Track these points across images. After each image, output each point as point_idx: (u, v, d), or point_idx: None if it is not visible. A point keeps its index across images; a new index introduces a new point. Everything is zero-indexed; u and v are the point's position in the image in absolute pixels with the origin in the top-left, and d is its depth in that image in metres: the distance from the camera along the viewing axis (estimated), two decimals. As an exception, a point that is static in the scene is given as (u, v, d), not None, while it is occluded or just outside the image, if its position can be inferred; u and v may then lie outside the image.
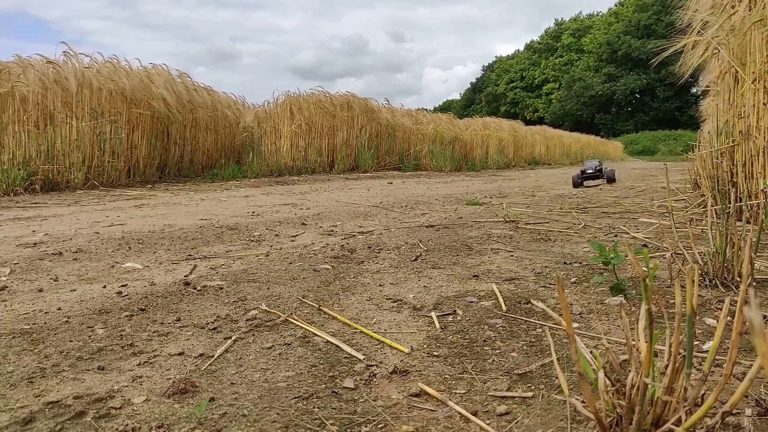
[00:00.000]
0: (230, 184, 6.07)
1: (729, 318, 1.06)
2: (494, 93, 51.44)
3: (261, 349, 1.00)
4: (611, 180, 5.96)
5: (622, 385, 0.64)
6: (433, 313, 1.23)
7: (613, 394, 0.64)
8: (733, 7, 2.58)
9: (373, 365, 0.93)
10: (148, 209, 3.47)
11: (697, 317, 1.13)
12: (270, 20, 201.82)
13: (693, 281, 0.61)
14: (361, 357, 0.97)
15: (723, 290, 1.34)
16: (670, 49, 3.10)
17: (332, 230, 2.51)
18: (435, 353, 0.99)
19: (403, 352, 1.00)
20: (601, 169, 5.99)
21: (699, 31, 2.91)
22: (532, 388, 0.84)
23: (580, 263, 1.76)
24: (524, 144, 14.46)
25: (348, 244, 2.13)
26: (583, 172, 5.86)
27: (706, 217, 1.65)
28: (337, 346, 1.02)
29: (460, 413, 0.76)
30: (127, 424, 0.72)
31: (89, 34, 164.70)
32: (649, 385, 0.60)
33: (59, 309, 1.25)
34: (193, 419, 0.73)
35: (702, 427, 0.61)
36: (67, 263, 1.77)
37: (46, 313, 1.23)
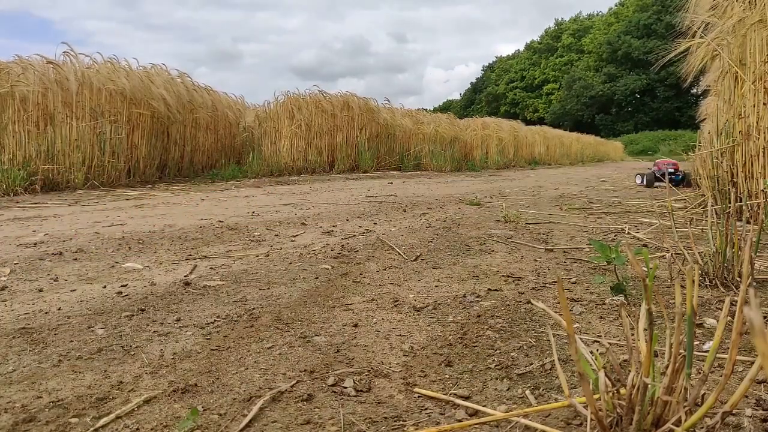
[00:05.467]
0: (230, 184, 6.07)
1: (729, 318, 1.06)
2: (494, 93, 51.42)
3: (261, 349, 1.00)
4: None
5: (622, 385, 0.64)
6: (433, 313, 1.23)
7: (613, 394, 0.64)
8: (735, 5, 2.58)
9: (373, 366, 0.93)
10: (148, 209, 3.47)
11: (697, 317, 1.13)
12: (272, 21, 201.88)
13: (693, 281, 0.61)
14: (362, 357, 0.97)
15: (723, 290, 1.34)
16: (672, 52, 3.10)
17: (332, 230, 2.51)
18: (435, 353, 0.99)
19: (404, 352, 1.00)
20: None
21: (699, 34, 2.91)
22: (532, 388, 0.84)
23: (581, 263, 1.76)
24: (524, 144, 14.45)
25: (348, 244, 2.13)
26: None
27: (706, 217, 1.65)
28: (338, 347, 1.02)
29: (460, 414, 0.76)
30: (128, 424, 0.72)
31: (93, 34, 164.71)
32: (649, 385, 0.60)
33: (59, 309, 1.25)
34: (194, 420, 0.73)
35: (702, 427, 0.61)
36: (67, 263, 1.77)
37: (46, 313, 1.23)
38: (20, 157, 4.94)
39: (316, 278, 1.56)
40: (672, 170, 5.38)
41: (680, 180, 5.26)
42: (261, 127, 8.38)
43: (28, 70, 5.29)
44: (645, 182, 5.51)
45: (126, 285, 1.48)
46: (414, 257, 1.86)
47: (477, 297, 1.35)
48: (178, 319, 1.17)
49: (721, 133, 2.79)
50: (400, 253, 1.93)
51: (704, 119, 6.25)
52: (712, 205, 1.47)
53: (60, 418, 0.74)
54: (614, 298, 1.31)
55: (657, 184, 5.43)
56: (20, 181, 4.60)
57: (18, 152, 4.96)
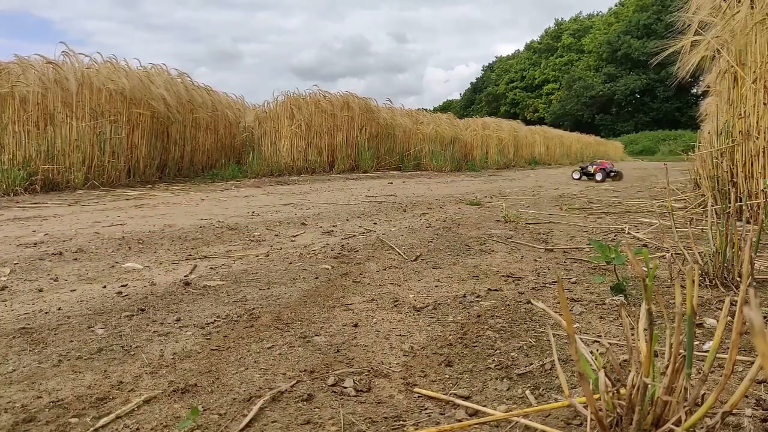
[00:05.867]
0: (230, 184, 6.07)
1: (729, 318, 1.06)
2: (494, 93, 51.42)
3: (261, 349, 1.00)
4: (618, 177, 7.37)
5: (622, 385, 0.64)
6: (433, 313, 1.23)
7: (613, 394, 0.64)
8: (737, 5, 2.58)
9: (373, 366, 0.93)
10: (148, 209, 3.47)
11: (697, 317, 1.13)
12: (272, 21, 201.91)
13: (693, 281, 0.61)
14: (362, 357, 0.97)
15: (723, 290, 1.34)
16: (670, 49, 3.10)
17: (332, 230, 2.51)
18: (435, 353, 0.99)
19: (404, 352, 1.00)
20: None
21: (699, 32, 2.91)
22: (532, 388, 0.84)
23: (581, 263, 1.76)
24: (524, 144, 14.46)
25: (348, 244, 2.13)
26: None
27: (706, 217, 1.65)
28: (338, 347, 1.02)
29: (460, 414, 0.76)
30: (128, 424, 0.72)
31: (93, 34, 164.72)
32: (649, 385, 0.60)
33: (59, 309, 1.25)
34: (194, 420, 0.73)
35: (702, 427, 0.61)
36: (67, 263, 1.78)
37: (46, 313, 1.23)
38: (20, 157, 4.94)
39: (316, 278, 1.56)
40: (611, 168, 7.36)
41: (615, 174, 7.26)
42: (261, 127, 8.38)
43: (28, 71, 5.29)
44: (601, 178, 7.14)
45: (126, 285, 1.48)
46: (414, 257, 1.86)
47: (477, 297, 1.35)
48: (178, 319, 1.17)
49: (721, 133, 2.79)
50: (400, 253, 1.93)
51: (704, 119, 6.29)
52: (712, 205, 1.47)
53: (60, 418, 0.74)
54: (614, 298, 1.31)
55: (585, 177, 7.43)
56: (20, 181, 4.60)
57: (18, 152, 4.96)
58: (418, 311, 1.24)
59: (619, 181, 7.08)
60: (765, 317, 1.15)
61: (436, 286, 1.47)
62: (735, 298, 1.24)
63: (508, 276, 1.58)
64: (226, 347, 1.01)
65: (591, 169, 7.33)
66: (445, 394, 0.81)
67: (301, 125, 8.34)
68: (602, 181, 7.05)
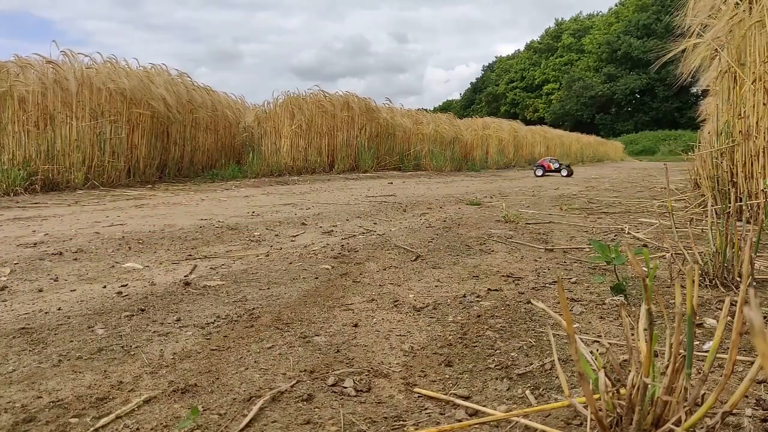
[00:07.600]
0: (230, 184, 6.07)
1: (729, 318, 1.06)
2: (494, 93, 51.40)
3: (261, 349, 1.00)
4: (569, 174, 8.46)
5: (622, 385, 0.64)
6: (433, 313, 1.23)
7: (613, 394, 0.64)
8: (734, 6, 2.58)
9: (373, 365, 0.93)
10: (148, 209, 3.47)
11: (697, 317, 1.13)
12: (272, 21, 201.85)
13: (693, 281, 0.61)
14: (362, 357, 0.97)
15: (723, 290, 1.34)
16: (671, 52, 3.10)
17: (332, 230, 2.51)
18: (435, 353, 0.99)
19: (404, 352, 1.00)
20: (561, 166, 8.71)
21: (698, 33, 2.91)
22: (532, 388, 0.84)
23: (581, 263, 1.76)
24: (524, 144, 14.47)
25: (348, 244, 2.13)
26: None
27: (706, 217, 1.65)
28: (338, 347, 1.02)
29: (460, 414, 0.76)
30: (128, 424, 0.72)
31: (93, 34, 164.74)
32: (649, 385, 0.60)
33: (59, 309, 1.25)
34: (194, 420, 0.73)
35: (702, 427, 0.61)
36: (67, 263, 1.77)
37: (46, 313, 1.23)
38: (20, 157, 4.94)
39: (316, 278, 1.56)
40: (558, 164, 8.69)
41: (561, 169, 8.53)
42: (261, 127, 8.39)
43: (27, 70, 5.29)
44: (542, 173, 8.54)
45: (126, 285, 1.48)
46: (414, 257, 1.86)
47: (477, 297, 1.35)
48: (178, 319, 1.17)
49: (721, 133, 2.80)
50: (400, 253, 1.93)
51: (704, 119, 6.30)
52: (712, 205, 1.47)
53: (60, 418, 0.74)
54: (614, 298, 1.31)
55: (548, 173, 8.61)
56: (20, 181, 4.60)
57: (18, 152, 4.96)
58: (418, 311, 1.24)
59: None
60: (765, 317, 1.15)
61: (436, 286, 1.47)
62: (735, 298, 1.24)
63: (508, 276, 1.58)
64: (226, 347, 1.01)
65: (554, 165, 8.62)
66: (445, 394, 0.81)
67: (302, 125, 8.34)
68: (543, 175, 8.40)
